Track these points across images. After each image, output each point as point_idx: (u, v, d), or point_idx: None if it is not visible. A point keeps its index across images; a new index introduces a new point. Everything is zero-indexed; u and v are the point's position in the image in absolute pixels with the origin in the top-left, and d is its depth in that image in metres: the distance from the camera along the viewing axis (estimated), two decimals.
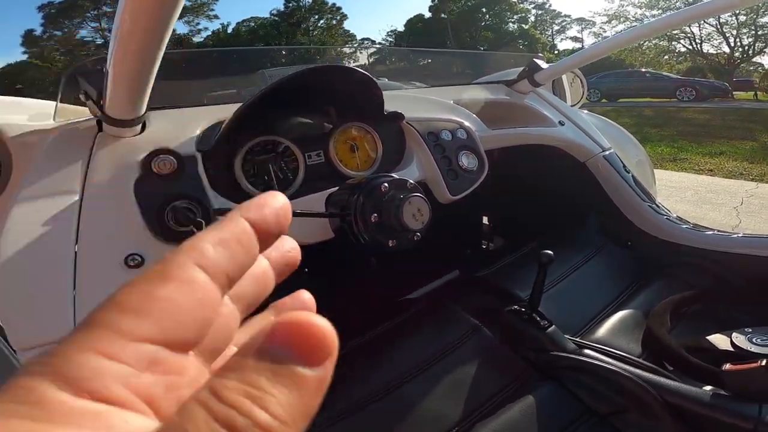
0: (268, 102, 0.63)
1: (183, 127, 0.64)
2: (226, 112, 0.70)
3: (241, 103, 0.63)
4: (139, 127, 0.59)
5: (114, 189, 0.55)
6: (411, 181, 0.58)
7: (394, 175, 0.58)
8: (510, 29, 23.00)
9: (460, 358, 0.72)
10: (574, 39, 27.88)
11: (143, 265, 0.52)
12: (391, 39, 23.37)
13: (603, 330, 0.80)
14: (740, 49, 16.98)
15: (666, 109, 9.51)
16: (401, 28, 23.14)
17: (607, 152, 1.21)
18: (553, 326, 0.74)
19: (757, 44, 16.44)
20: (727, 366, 0.58)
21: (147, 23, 0.38)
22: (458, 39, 21.09)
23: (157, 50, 0.41)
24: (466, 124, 0.90)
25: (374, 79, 0.67)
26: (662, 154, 5.00)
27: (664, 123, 7.46)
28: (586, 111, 1.46)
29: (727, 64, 17.48)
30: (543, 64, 1.11)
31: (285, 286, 0.18)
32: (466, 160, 0.84)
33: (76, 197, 0.53)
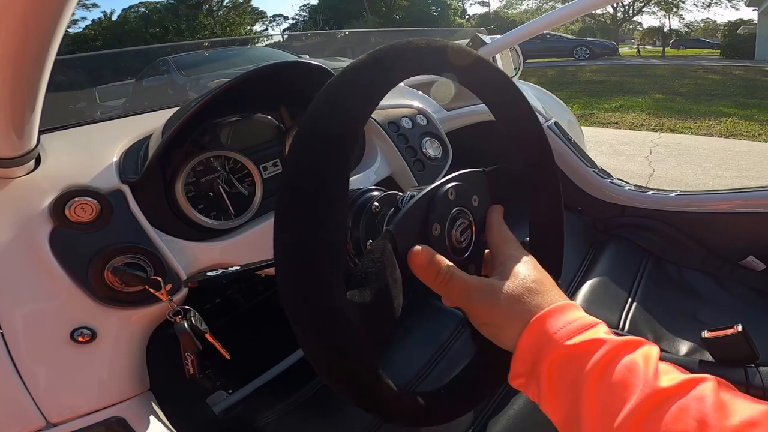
0: (206, 111, 0.51)
1: (92, 152, 0.50)
2: (143, 125, 0.56)
3: (174, 112, 0.50)
4: (33, 162, 0.45)
5: (24, 252, 0.42)
6: (399, 193, 0.50)
7: (373, 187, 0.49)
8: None
9: (459, 355, 0.69)
10: (482, 3, 28.83)
11: (95, 338, 0.42)
12: (304, 14, 22.20)
13: (580, 302, 0.81)
14: (622, 9, 18.79)
15: (566, 68, 10.28)
16: (315, 1, 22.04)
17: (550, 122, 1.23)
18: None
19: (636, 4, 18.29)
20: (706, 333, 0.60)
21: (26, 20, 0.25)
22: (374, 9, 20.68)
23: (45, 53, 0.29)
24: (424, 108, 0.84)
25: (330, 70, 0.57)
26: (573, 112, 5.41)
27: (568, 82, 8.07)
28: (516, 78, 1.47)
29: (612, 24, 19.28)
30: (486, 39, 1.07)
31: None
32: (431, 148, 0.79)
33: None
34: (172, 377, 0.52)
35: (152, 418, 0.44)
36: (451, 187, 0.35)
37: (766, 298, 0.87)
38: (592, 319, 0.30)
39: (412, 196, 0.35)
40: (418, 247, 0.31)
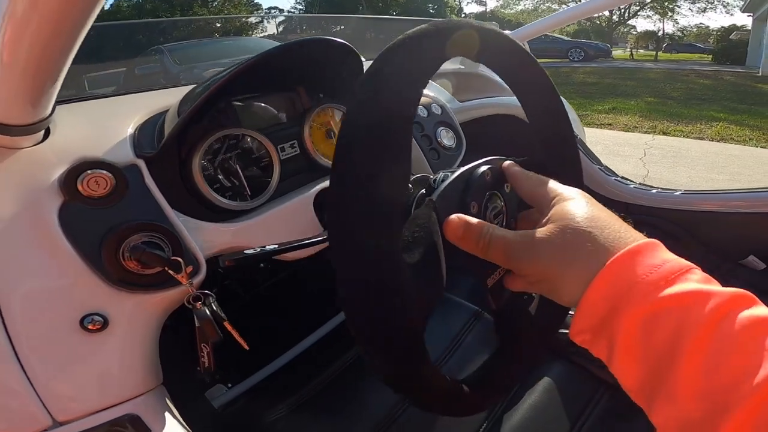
0: (223, 89, 0.49)
1: (105, 125, 0.48)
2: (157, 101, 0.54)
3: (192, 88, 0.48)
4: (41, 133, 0.42)
5: (30, 228, 0.38)
6: (431, 176, 0.49)
7: None
8: None
9: (471, 349, 0.69)
10: (479, 2, 28.86)
11: (107, 326, 0.39)
12: (300, 7, 21.96)
13: None
14: (618, 12, 18.96)
15: (561, 69, 10.34)
16: None
17: None
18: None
19: (632, 8, 18.46)
20: None
21: None
22: (370, 4, 20.56)
23: (84, 21, 0.28)
24: (439, 98, 0.83)
25: (355, 49, 0.56)
26: None
27: (561, 83, 8.12)
28: None
29: (607, 27, 19.45)
30: None
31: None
32: (446, 137, 0.78)
33: None
34: (181, 370, 0.49)
35: (167, 416, 0.41)
36: (487, 169, 0.35)
37: (766, 297, 0.88)
38: (682, 261, 0.24)
39: (446, 176, 0.34)
40: (452, 216, 0.30)
